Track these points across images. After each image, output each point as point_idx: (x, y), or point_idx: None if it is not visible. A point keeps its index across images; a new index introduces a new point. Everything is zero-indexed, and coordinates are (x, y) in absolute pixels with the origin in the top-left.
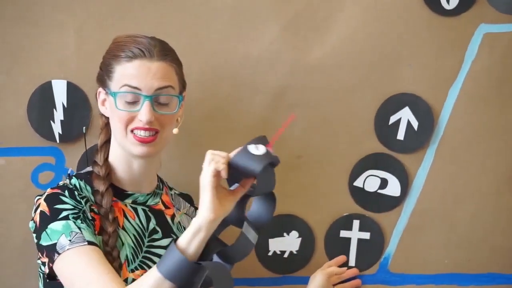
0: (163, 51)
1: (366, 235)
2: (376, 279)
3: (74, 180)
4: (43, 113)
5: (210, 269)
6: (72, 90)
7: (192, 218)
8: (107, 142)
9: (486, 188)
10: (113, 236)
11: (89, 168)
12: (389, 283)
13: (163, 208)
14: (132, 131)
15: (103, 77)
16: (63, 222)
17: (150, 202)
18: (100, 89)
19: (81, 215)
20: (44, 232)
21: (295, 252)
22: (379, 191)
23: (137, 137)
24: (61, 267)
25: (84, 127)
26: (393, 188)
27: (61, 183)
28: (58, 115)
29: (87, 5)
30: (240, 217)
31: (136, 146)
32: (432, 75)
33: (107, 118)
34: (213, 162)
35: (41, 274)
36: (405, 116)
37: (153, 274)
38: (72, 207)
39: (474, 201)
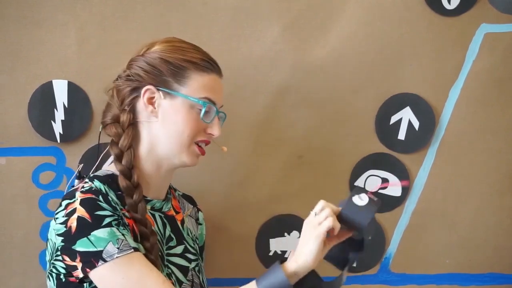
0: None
1: None
2: (377, 279)
3: (98, 184)
4: (44, 113)
5: None
6: (73, 90)
7: (195, 221)
8: (132, 143)
9: (487, 188)
10: (156, 248)
11: (106, 171)
12: (390, 283)
13: (174, 213)
14: (196, 142)
15: (162, 77)
16: (108, 229)
17: (165, 208)
18: (150, 87)
19: (121, 221)
20: (86, 238)
21: None
22: (380, 191)
23: (201, 149)
24: (107, 274)
25: (100, 127)
26: (394, 188)
27: (86, 185)
28: (59, 115)
29: (89, 5)
30: (341, 256)
31: (193, 157)
32: (433, 75)
33: (133, 117)
34: (329, 218)
35: (54, 274)
36: (406, 116)
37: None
38: (112, 213)
39: (475, 201)
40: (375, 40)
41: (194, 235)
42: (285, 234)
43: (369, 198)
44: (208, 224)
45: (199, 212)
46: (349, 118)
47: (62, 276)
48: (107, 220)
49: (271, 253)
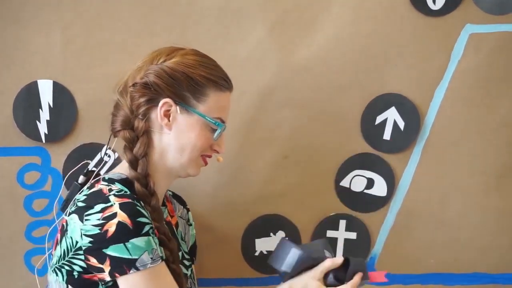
0: None
1: (352, 235)
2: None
3: (120, 186)
4: (29, 113)
5: None
6: (58, 90)
7: (186, 222)
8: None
9: (473, 188)
10: (177, 255)
11: (119, 174)
12: (375, 283)
13: (170, 218)
14: (202, 155)
15: (181, 92)
16: (145, 238)
17: (164, 215)
18: (169, 100)
19: (153, 229)
20: (122, 244)
21: None
22: (366, 191)
23: (206, 161)
24: (138, 282)
25: (111, 134)
26: (380, 188)
27: (114, 188)
28: (44, 115)
29: (74, 5)
30: None
31: (198, 168)
32: (418, 75)
33: (149, 126)
34: None
35: (65, 271)
36: (392, 116)
37: None
38: (149, 221)
39: (461, 201)
40: (360, 40)
41: (183, 238)
42: (271, 234)
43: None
44: (194, 224)
45: (189, 212)
46: (334, 118)
47: (75, 273)
48: (147, 228)
49: (257, 253)
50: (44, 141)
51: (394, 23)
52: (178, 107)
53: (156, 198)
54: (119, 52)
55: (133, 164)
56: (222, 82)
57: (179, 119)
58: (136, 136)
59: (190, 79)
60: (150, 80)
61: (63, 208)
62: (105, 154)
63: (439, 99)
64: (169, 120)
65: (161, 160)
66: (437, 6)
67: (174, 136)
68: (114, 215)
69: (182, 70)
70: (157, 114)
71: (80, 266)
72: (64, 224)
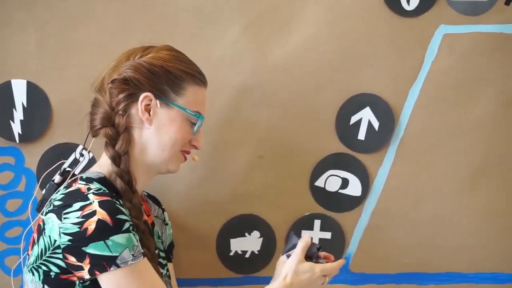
0: None
1: (327, 235)
2: (337, 278)
3: (98, 185)
4: (3, 113)
5: None
6: (32, 89)
7: (162, 221)
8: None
9: (447, 188)
10: (155, 254)
11: (98, 173)
12: (350, 283)
13: (146, 217)
14: (182, 151)
15: (161, 86)
16: (126, 235)
17: None
18: (149, 94)
19: (133, 226)
20: (102, 242)
21: (256, 252)
22: (340, 191)
23: (185, 157)
24: (121, 280)
25: (88, 134)
26: (354, 188)
27: (93, 187)
28: (18, 115)
29: (49, 4)
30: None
31: (178, 164)
32: (392, 75)
33: (129, 122)
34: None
35: (42, 271)
36: (366, 116)
37: None
38: (129, 218)
39: (435, 201)
40: (335, 40)
41: (160, 237)
42: (246, 234)
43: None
44: (170, 224)
45: (164, 212)
46: (309, 118)
47: (52, 273)
48: (127, 225)
49: (231, 253)
50: (18, 141)
51: (369, 23)
52: (158, 101)
53: (137, 195)
54: (93, 52)
55: (116, 160)
56: (199, 76)
57: (159, 113)
58: (118, 133)
59: (169, 73)
60: (129, 75)
61: (39, 208)
62: (80, 154)
63: (413, 99)
64: (149, 115)
65: (141, 156)
66: (411, 7)
67: (155, 131)
68: (93, 213)
69: (160, 64)
70: (137, 110)
71: (58, 266)
72: (41, 223)
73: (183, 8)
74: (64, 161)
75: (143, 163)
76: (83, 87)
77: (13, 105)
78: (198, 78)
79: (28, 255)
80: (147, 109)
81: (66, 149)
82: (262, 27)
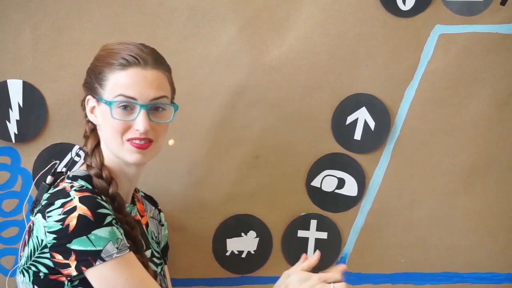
0: (158, 59)
1: (323, 235)
2: None
3: (83, 182)
4: None
5: None
6: (28, 89)
7: (158, 222)
8: (97, 146)
9: (442, 188)
10: (140, 243)
11: (84, 171)
12: (346, 282)
13: (140, 217)
14: (128, 139)
15: (93, 85)
16: (108, 228)
17: (132, 213)
18: (89, 97)
19: (116, 220)
20: (85, 237)
21: (252, 252)
22: (336, 191)
23: (134, 143)
24: (108, 274)
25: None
26: (350, 188)
27: (76, 184)
28: (14, 115)
29: (44, 4)
30: None
31: (132, 154)
32: (388, 75)
33: (94, 125)
34: None
35: (32, 272)
36: (362, 116)
37: None
38: (111, 212)
39: (430, 201)
40: (331, 41)
41: (156, 237)
42: (242, 234)
43: None
44: (166, 225)
45: (161, 213)
46: (305, 118)
47: (41, 274)
48: (109, 218)
49: (228, 253)
50: (14, 141)
51: (365, 23)
52: (95, 100)
53: (114, 186)
54: (89, 51)
55: (86, 159)
56: (118, 61)
57: (98, 111)
58: (87, 135)
59: (92, 70)
60: (84, 81)
61: (32, 209)
62: (76, 154)
63: (409, 99)
64: (95, 116)
65: (108, 153)
66: (407, 7)
67: (102, 128)
68: (74, 209)
69: (91, 65)
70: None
71: (46, 267)
72: (32, 224)
73: (179, 8)
74: (57, 161)
75: (112, 159)
76: (79, 87)
77: (9, 105)
78: (118, 63)
79: (20, 256)
80: (93, 111)
81: (62, 149)
82: (258, 28)
